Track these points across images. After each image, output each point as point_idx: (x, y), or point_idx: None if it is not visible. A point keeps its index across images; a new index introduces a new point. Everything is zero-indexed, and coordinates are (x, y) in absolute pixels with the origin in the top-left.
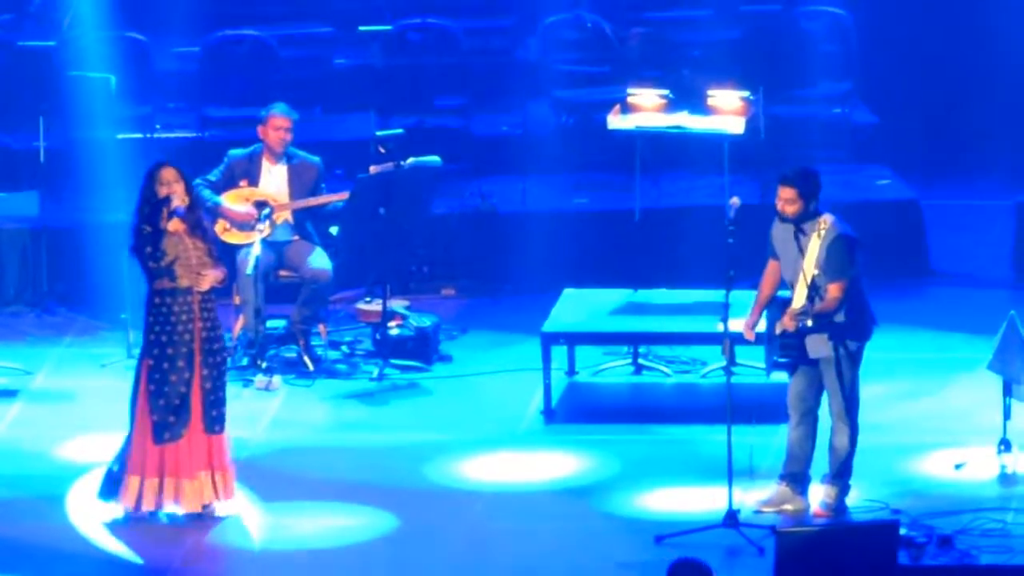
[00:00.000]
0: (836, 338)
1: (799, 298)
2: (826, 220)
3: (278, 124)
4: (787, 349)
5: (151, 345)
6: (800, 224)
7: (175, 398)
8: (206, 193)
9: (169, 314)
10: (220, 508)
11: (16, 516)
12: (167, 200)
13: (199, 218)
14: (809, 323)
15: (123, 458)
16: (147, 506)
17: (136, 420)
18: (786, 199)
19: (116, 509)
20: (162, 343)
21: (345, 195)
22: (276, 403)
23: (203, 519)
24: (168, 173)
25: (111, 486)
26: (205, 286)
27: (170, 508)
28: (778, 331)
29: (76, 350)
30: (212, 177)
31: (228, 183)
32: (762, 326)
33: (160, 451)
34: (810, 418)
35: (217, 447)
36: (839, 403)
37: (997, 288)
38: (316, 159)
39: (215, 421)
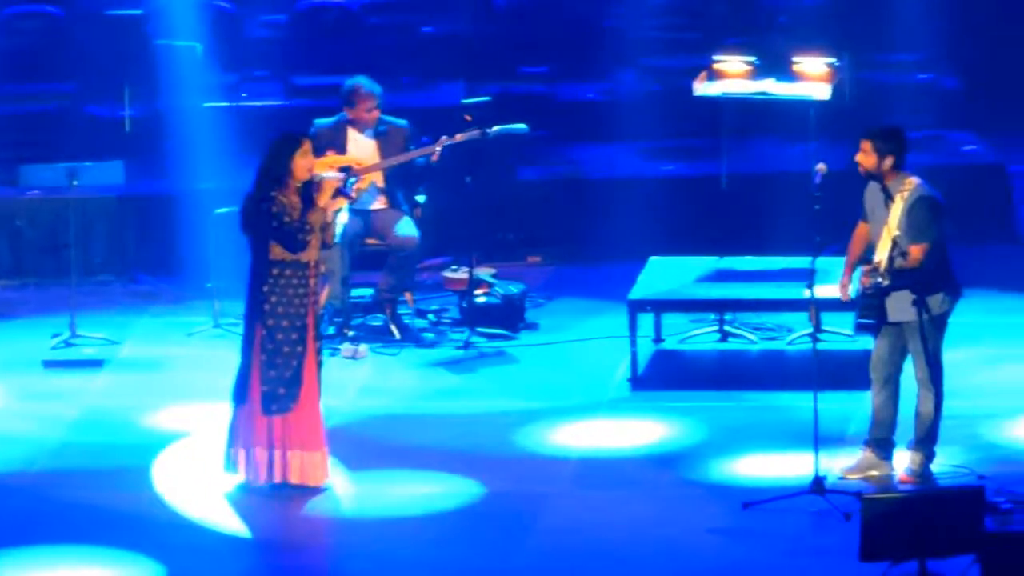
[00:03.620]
0: (919, 302)
1: (881, 258)
2: (911, 182)
3: (368, 106)
4: (867, 309)
5: (266, 315)
6: (885, 184)
7: (286, 370)
8: None
9: (287, 286)
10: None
11: (103, 485)
12: (322, 178)
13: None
14: (885, 282)
15: (232, 430)
16: (263, 478)
17: (249, 390)
18: (862, 151)
19: (236, 480)
20: (278, 314)
21: (430, 149)
22: (363, 372)
23: (304, 491)
24: (309, 146)
25: (228, 457)
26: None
27: (294, 481)
28: (857, 290)
29: (163, 319)
30: None
31: (314, 154)
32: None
33: (279, 423)
34: (892, 383)
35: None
36: (923, 368)
37: None
38: (403, 122)
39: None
